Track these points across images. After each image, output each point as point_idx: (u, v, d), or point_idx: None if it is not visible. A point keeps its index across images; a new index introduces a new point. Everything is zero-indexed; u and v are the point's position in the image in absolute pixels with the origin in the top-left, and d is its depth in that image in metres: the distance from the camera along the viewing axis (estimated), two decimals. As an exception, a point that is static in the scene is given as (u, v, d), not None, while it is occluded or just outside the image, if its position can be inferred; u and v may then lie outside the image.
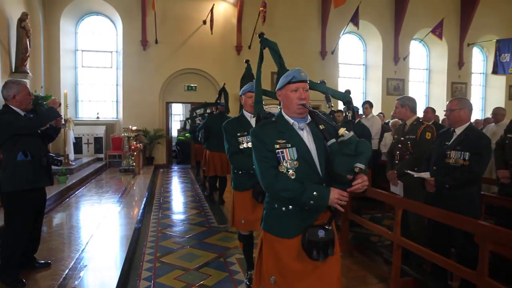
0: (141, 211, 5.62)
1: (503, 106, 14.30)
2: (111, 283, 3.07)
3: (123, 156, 10.14)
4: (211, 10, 10.62)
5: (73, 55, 11.24)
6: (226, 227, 5.06)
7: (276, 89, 1.98)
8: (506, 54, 11.76)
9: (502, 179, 3.42)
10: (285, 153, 1.81)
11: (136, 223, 4.90)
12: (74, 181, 7.22)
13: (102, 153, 10.76)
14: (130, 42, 11.01)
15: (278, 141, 1.83)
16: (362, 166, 1.69)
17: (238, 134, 2.93)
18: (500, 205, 3.73)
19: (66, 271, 3.24)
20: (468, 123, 3.07)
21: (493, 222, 3.76)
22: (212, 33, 10.89)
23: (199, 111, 8.18)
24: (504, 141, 3.57)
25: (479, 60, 15.11)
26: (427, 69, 14.44)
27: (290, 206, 1.82)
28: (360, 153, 1.72)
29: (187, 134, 9.61)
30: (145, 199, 6.44)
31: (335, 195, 1.73)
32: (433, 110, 6.22)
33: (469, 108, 3.05)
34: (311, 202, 1.72)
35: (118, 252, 3.84)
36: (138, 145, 9.52)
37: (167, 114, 11.95)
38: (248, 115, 3.03)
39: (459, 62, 13.97)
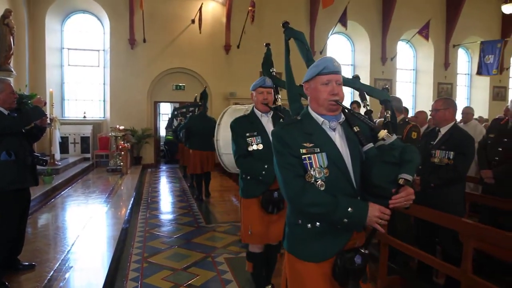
0: (128, 211, 5.57)
1: (487, 106, 14.68)
2: (98, 284, 3.03)
3: (111, 156, 10.03)
4: (200, 9, 10.57)
5: (59, 53, 11.06)
6: (214, 226, 5.06)
7: (303, 80, 1.67)
8: (490, 56, 11.99)
9: (486, 179, 3.49)
10: (313, 160, 1.50)
11: (123, 223, 4.85)
12: (60, 181, 7.11)
13: (89, 153, 10.63)
14: (118, 40, 10.89)
15: (305, 144, 1.52)
16: (409, 177, 1.40)
17: (247, 134, 2.61)
18: (484, 204, 3.80)
19: (51, 273, 3.19)
20: (453, 122, 3.12)
21: (477, 220, 3.83)
22: (200, 32, 10.84)
23: (181, 111, 8.39)
24: (486, 141, 3.65)
25: (464, 61, 15.38)
26: (414, 69, 14.64)
27: (318, 223, 1.52)
28: (407, 161, 1.43)
29: (170, 133, 9.77)
30: (132, 199, 6.38)
31: (375, 212, 1.43)
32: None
33: (454, 108, 3.10)
34: (345, 220, 1.43)
35: (105, 252, 3.79)
36: (125, 144, 9.42)
37: (155, 114, 11.86)
38: (258, 113, 2.71)
39: (445, 63, 14.20)
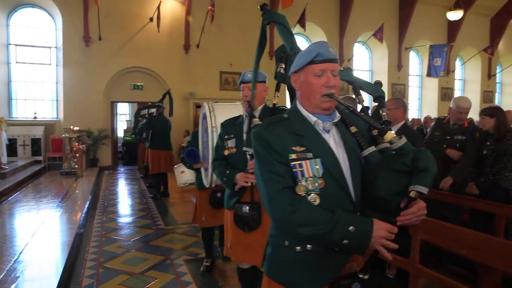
0: (83, 215, 5.34)
1: (436, 106, 15.59)
2: (48, 293, 2.89)
3: (65, 158, 9.56)
4: (158, 7, 10.35)
5: (5, 49, 10.38)
6: (173, 228, 4.99)
7: (291, 71, 1.38)
8: (437, 58, 12.76)
9: (444, 187, 3.70)
10: (304, 167, 1.22)
11: (77, 228, 4.65)
12: (7, 185, 6.69)
13: (41, 156, 10.06)
14: (71, 37, 10.41)
15: (294, 148, 1.24)
16: (424, 189, 1.13)
17: (226, 137, 2.34)
18: (429, 198, 4.03)
19: (-4, 284, 3.00)
20: (403, 121, 3.28)
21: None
22: (159, 31, 10.62)
23: (142, 112, 8.29)
24: (432, 139, 3.87)
25: (416, 63, 16.24)
26: (369, 70, 15.24)
27: (309, 246, 1.25)
28: (421, 170, 1.14)
29: (133, 135, 9.56)
30: (88, 202, 6.14)
31: (381, 232, 1.17)
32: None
33: (403, 107, 3.27)
34: (345, 241, 1.17)
35: (57, 260, 3.62)
36: (80, 146, 9.03)
37: (112, 114, 11.46)
38: (244, 113, 2.38)
39: (398, 65, 14.90)
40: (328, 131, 1.31)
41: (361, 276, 1.22)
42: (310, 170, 1.22)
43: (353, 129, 1.28)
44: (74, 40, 10.41)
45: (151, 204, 6.47)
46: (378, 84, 2.00)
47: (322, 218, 1.17)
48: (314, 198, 1.22)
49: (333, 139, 1.30)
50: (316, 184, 1.22)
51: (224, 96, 10.81)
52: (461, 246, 2.54)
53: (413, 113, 15.70)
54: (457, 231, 2.54)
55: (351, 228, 1.16)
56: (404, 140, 1.22)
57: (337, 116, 1.33)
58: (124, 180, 9.40)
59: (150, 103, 8.92)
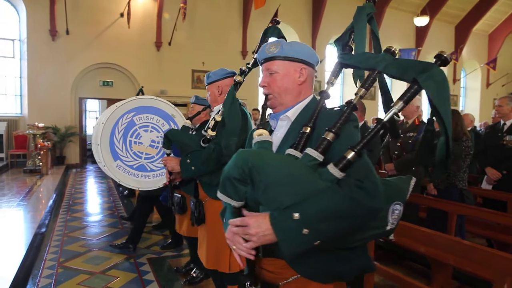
0: (46, 214, 5.18)
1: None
2: (2, 294, 2.80)
3: (29, 156, 9.24)
4: (128, 3, 10.15)
5: (-36, 41, 9.91)
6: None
7: None
8: (406, 62, 13.20)
9: (389, 172, 3.87)
10: None
11: (38, 227, 4.50)
12: (-36, 184, 6.39)
13: (3, 152, 9.66)
14: (36, 30, 10.04)
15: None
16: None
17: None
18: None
19: None
20: (362, 122, 3.40)
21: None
22: (129, 27, 10.42)
23: None
24: (388, 139, 4.04)
25: (386, 66, 16.74)
26: (342, 72, 15.52)
27: None
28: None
29: None
30: (52, 201, 5.94)
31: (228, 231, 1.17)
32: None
33: (360, 109, 3.39)
34: None
35: (13, 260, 3.49)
36: (45, 143, 8.73)
37: (81, 110, 11.16)
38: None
39: (369, 67, 15.29)
40: (275, 128, 1.34)
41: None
42: None
43: (305, 129, 1.19)
44: (39, 34, 10.05)
45: (119, 203, 6.36)
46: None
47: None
48: None
49: (278, 137, 1.30)
50: None
51: (197, 94, 10.73)
52: (417, 244, 2.66)
53: (382, 114, 16.16)
54: (413, 229, 2.65)
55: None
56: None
57: (288, 115, 1.30)
58: (93, 178, 9.17)
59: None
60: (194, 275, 3.22)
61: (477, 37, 18.11)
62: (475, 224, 3.82)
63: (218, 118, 2.07)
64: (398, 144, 3.75)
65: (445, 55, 1.05)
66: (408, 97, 1.07)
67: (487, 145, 4.09)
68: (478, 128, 8.57)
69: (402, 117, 3.90)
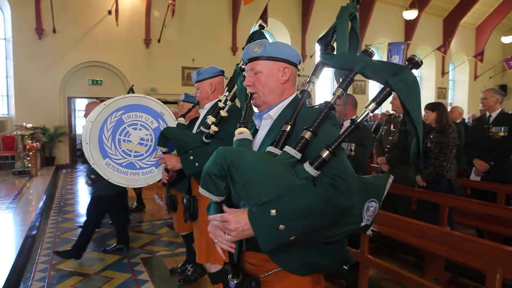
0: (36, 216, 5.11)
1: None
2: (-7, 298, 2.76)
3: (17, 157, 9.11)
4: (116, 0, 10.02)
5: None
6: (132, 227, 4.89)
7: None
8: (395, 56, 13.25)
9: (382, 166, 3.90)
10: None
11: (29, 230, 4.44)
12: (-49, 187, 6.28)
13: (-10, 154, 9.52)
14: (22, 29, 9.85)
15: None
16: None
17: None
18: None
19: None
20: (354, 117, 3.40)
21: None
22: (117, 25, 10.29)
23: None
24: (381, 133, 4.07)
25: (376, 59, 16.78)
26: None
27: None
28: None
29: None
30: (42, 202, 5.87)
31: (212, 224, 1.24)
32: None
33: (351, 104, 3.39)
34: None
35: (4, 264, 3.44)
36: (34, 144, 8.61)
37: (70, 110, 11.02)
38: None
39: (359, 61, 15.34)
40: (259, 127, 1.38)
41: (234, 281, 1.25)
42: None
43: (285, 127, 1.21)
44: (25, 32, 9.86)
45: (110, 203, 6.29)
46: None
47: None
48: None
49: (261, 135, 1.34)
50: None
51: (187, 92, 10.67)
52: (410, 236, 2.69)
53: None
54: (405, 222, 2.67)
55: None
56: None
57: (270, 114, 1.33)
58: (83, 179, 9.06)
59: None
60: (189, 273, 3.21)
61: (465, 30, 18.29)
62: (464, 215, 3.86)
63: (224, 114, 2.05)
64: (390, 138, 3.77)
65: (416, 59, 1.10)
66: (380, 98, 1.13)
67: (474, 137, 4.15)
68: (466, 121, 8.67)
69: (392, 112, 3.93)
